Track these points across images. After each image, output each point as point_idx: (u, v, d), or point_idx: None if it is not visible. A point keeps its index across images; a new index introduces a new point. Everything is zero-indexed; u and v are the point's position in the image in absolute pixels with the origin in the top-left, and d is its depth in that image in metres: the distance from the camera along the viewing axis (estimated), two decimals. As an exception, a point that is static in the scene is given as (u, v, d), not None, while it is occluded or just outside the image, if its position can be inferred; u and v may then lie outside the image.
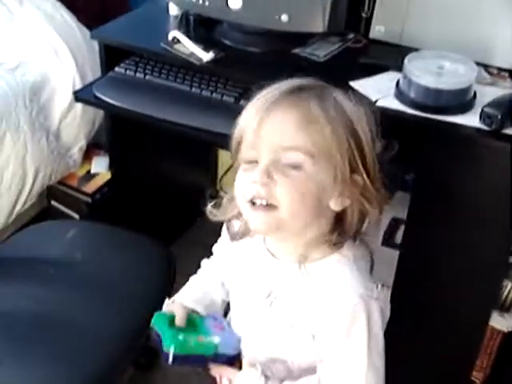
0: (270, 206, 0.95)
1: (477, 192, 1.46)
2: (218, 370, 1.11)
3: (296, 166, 0.93)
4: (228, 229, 1.14)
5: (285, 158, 0.94)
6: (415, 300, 1.66)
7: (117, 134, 2.00)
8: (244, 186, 0.97)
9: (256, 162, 0.95)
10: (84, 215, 2.16)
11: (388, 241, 1.93)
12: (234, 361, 1.09)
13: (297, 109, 0.94)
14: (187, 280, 1.27)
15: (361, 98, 1.02)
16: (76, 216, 2.17)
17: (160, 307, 1.51)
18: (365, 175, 0.97)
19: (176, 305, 1.15)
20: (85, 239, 1.64)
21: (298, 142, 0.93)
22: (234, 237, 1.12)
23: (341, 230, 1.01)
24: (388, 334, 1.72)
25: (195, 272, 1.25)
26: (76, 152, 2.20)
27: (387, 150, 1.50)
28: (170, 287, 1.54)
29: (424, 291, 1.64)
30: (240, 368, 1.09)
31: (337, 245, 1.00)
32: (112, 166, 2.12)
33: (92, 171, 2.24)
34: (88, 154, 2.27)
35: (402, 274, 1.65)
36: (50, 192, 2.20)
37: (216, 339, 1.08)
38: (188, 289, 1.22)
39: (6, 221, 2.00)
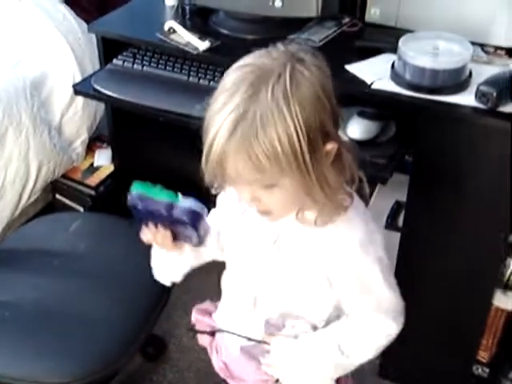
0: (268, 212, 1.01)
1: (475, 171, 1.45)
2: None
3: (268, 188, 0.96)
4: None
5: (258, 187, 0.96)
6: (417, 282, 1.66)
7: (118, 127, 2.01)
8: (237, 194, 1.03)
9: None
10: (88, 208, 2.17)
11: (391, 224, 1.93)
12: (197, 222, 1.05)
13: (241, 155, 0.91)
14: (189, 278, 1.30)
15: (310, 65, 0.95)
16: (80, 209, 2.18)
17: (160, 295, 1.53)
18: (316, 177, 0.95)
19: None
20: (88, 230, 1.65)
21: (255, 177, 0.94)
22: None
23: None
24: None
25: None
26: (79, 146, 2.21)
27: (384, 132, 1.51)
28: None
29: (425, 273, 1.65)
30: None
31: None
32: (115, 159, 2.13)
33: (95, 164, 2.24)
34: (90, 148, 2.28)
35: (403, 256, 1.65)
36: (54, 186, 2.20)
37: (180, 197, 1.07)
38: None
39: (12, 215, 2.01)
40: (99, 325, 1.40)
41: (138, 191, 1.06)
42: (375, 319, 1.09)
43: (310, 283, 1.07)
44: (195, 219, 1.05)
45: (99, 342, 1.38)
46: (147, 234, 1.13)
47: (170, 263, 1.19)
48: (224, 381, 1.31)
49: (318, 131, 0.92)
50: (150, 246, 1.44)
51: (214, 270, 1.22)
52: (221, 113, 0.93)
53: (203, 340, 1.31)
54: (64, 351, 1.35)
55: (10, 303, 1.43)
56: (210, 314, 1.28)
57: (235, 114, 0.91)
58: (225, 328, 1.23)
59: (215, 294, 1.26)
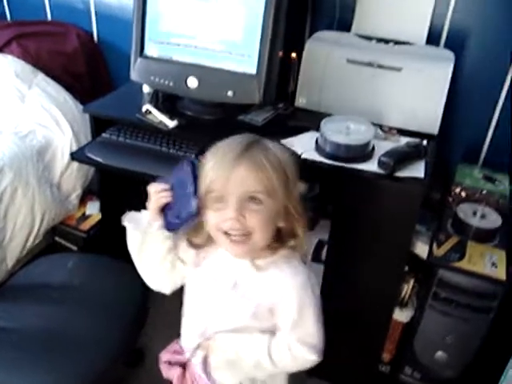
0: (245, 236, 0.96)
1: (377, 218, 1.46)
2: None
3: (257, 202, 0.95)
4: (191, 242, 1.08)
5: (248, 198, 0.95)
6: (337, 302, 1.64)
7: (105, 184, 1.95)
8: (219, 221, 0.97)
9: (225, 202, 0.95)
10: (81, 247, 2.09)
11: (316, 257, 1.92)
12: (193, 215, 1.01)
13: (252, 165, 0.94)
14: (162, 302, 1.24)
15: (284, 147, 1.04)
16: (75, 248, 2.10)
17: (139, 320, 1.46)
18: (291, 205, 0.99)
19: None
20: (81, 268, 1.57)
21: (256, 187, 0.94)
22: (197, 247, 1.08)
23: (278, 239, 1.02)
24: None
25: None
26: (74, 198, 2.13)
27: (311, 190, 1.51)
28: (145, 304, 1.49)
29: (344, 294, 1.63)
30: None
31: (276, 248, 1.02)
32: (102, 209, 2.06)
33: (87, 213, 2.17)
34: (83, 200, 2.20)
35: (326, 283, 1.63)
36: (54, 230, 2.11)
37: None
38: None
39: (20, 254, 1.91)
40: (91, 344, 1.33)
41: (195, 165, 1.02)
42: (298, 348, 1.03)
43: (256, 314, 1.02)
44: (195, 210, 1.00)
45: (91, 359, 1.30)
46: (159, 186, 1.10)
47: (147, 243, 1.14)
48: None
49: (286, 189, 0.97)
50: (131, 280, 1.37)
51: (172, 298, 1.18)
52: (228, 147, 0.97)
53: (171, 373, 1.16)
54: (61, 368, 1.27)
55: (17, 329, 1.34)
56: (176, 351, 1.18)
57: (243, 144, 0.96)
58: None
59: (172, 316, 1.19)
